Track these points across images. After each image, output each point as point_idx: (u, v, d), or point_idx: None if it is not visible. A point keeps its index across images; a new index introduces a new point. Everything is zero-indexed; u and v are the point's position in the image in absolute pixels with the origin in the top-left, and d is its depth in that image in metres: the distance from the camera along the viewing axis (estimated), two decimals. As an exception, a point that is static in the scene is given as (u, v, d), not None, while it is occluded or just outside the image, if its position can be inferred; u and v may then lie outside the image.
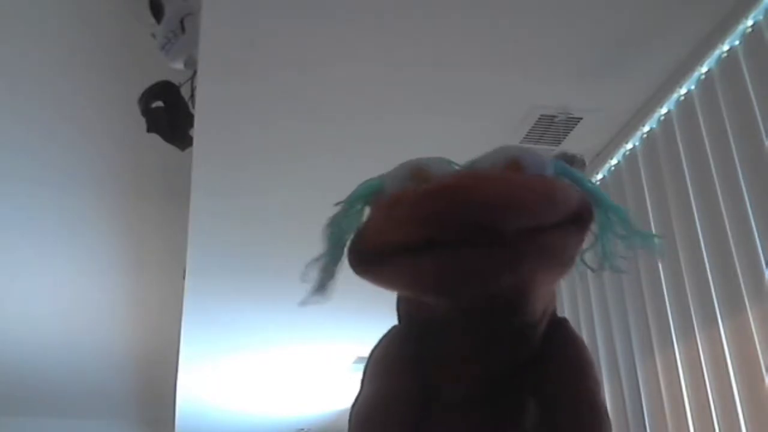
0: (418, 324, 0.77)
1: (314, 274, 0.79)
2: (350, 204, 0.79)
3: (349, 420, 0.77)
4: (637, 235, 0.81)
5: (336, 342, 3.72)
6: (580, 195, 0.73)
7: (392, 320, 0.84)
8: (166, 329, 4.00)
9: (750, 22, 1.84)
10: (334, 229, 0.79)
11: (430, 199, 0.65)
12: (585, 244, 0.78)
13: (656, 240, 0.83)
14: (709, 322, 1.91)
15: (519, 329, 0.75)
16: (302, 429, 5.09)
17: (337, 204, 0.80)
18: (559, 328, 0.79)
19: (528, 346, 0.76)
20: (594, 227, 0.79)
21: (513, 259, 0.67)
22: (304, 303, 0.79)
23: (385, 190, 0.74)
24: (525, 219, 0.66)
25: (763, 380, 1.71)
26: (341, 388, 4.36)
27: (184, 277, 3.08)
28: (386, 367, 0.79)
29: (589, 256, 0.83)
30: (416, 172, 0.72)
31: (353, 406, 0.78)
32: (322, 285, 0.80)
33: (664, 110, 2.16)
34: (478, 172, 0.70)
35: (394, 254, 0.68)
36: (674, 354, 2.04)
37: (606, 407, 0.75)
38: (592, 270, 0.84)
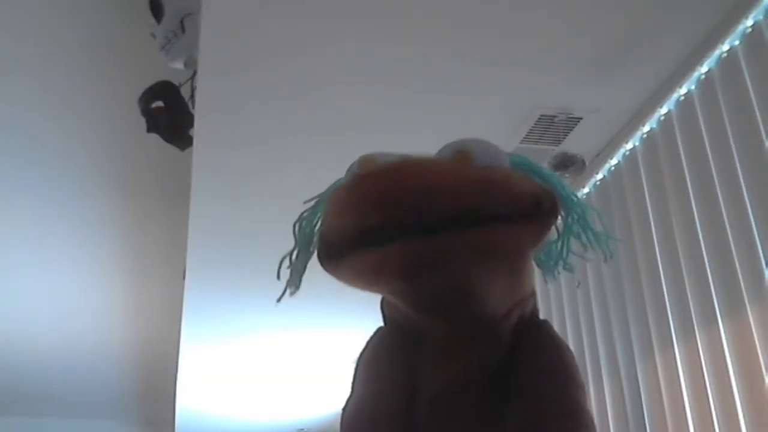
0: (400, 324, 0.77)
1: (286, 271, 0.81)
2: (320, 201, 0.80)
3: (341, 423, 0.77)
4: (594, 236, 0.81)
5: (336, 342, 3.72)
6: (537, 190, 0.71)
7: (392, 320, 0.84)
8: (166, 329, 4.00)
9: (750, 22, 1.84)
10: (303, 225, 0.81)
11: (359, 183, 0.67)
12: (545, 241, 0.77)
13: (612, 243, 0.82)
14: (709, 322, 1.91)
15: (480, 328, 0.74)
16: (302, 429, 5.09)
17: (308, 201, 0.81)
18: (537, 329, 0.78)
19: (496, 346, 0.75)
20: (558, 224, 0.78)
21: (443, 256, 0.66)
22: (278, 300, 0.80)
23: None
24: (450, 203, 0.65)
25: (763, 380, 1.71)
26: (341, 388, 4.35)
27: (184, 277, 3.08)
28: (375, 368, 0.79)
29: (547, 254, 0.83)
30: (363, 163, 0.72)
31: (344, 408, 0.78)
32: (292, 281, 0.81)
33: (664, 110, 2.16)
34: (411, 158, 0.69)
35: (346, 251, 0.69)
36: (674, 354, 2.04)
37: (583, 407, 0.73)
38: (543, 270, 0.84)
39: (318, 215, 0.80)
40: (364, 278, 0.72)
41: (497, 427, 0.73)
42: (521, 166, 0.77)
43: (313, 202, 0.82)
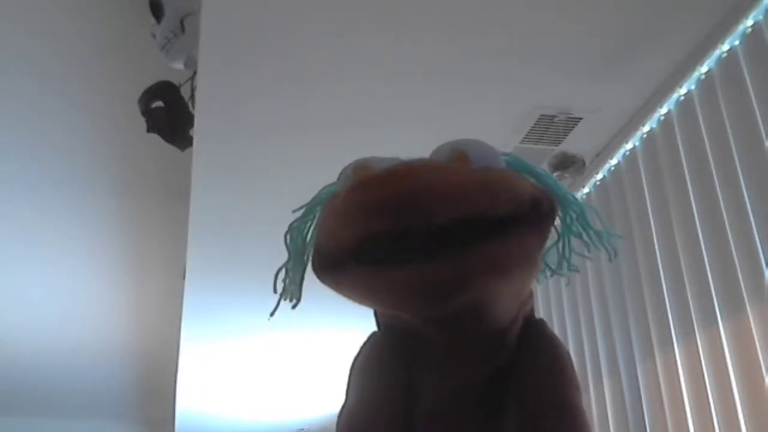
0: (396, 331, 0.76)
1: (282, 284, 0.79)
2: (309, 210, 0.79)
3: (336, 429, 0.76)
4: (595, 234, 0.80)
5: (336, 342, 3.72)
6: (534, 191, 0.70)
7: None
8: (166, 329, 3.99)
9: (750, 22, 1.84)
10: (295, 235, 0.79)
11: (361, 189, 0.64)
12: (548, 243, 0.76)
13: (615, 240, 0.81)
14: (709, 322, 1.91)
15: (489, 335, 0.74)
16: (302, 429, 5.09)
17: (296, 210, 0.79)
18: (534, 330, 0.77)
19: (503, 351, 0.75)
20: (557, 225, 0.77)
21: (461, 277, 0.64)
22: (272, 314, 0.78)
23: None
24: (459, 205, 0.63)
25: (763, 380, 1.71)
26: (341, 388, 4.35)
27: (184, 277, 3.08)
28: (369, 374, 0.78)
29: (550, 257, 0.82)
30: (359, 169, 0.70)
31: (339, 415, 0.77)
32: (290, 295, 0.79)
33: (664, 110, 2.16)
34: (410, 162, 0.68)
35: (348, 264, 0.66)
36: (674, 354, 2.04)
37: (580, 408, 0.73)
38: (551, 271, 0.83)
39: (309, 224, 0.79)
40: (368, 295, 0.69)
41: (501, 424, 0.72)
42: (515, 166, 0.76)
43: (301, 212, 0.80)
